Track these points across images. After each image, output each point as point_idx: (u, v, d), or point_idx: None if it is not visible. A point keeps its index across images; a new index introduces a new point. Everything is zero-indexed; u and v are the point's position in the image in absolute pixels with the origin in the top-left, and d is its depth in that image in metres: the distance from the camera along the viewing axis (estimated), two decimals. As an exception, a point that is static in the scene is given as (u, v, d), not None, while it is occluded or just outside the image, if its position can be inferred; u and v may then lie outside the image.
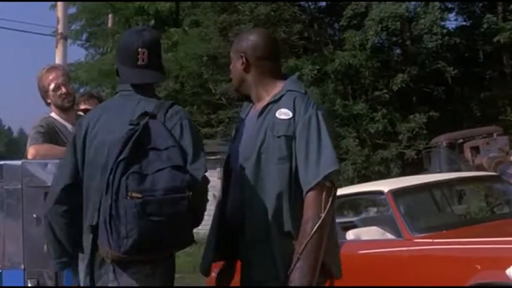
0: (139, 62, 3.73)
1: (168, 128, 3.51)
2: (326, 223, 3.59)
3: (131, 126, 3.49)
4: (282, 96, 3.79)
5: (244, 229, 3.72)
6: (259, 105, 3.85)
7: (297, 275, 3.54)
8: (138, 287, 3.46)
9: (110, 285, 3.48)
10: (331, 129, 3.77)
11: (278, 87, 3.85)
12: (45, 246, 4.25)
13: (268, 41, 3.99)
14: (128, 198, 3.28)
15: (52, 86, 5.43)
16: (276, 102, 3.78)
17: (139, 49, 3.73)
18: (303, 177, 3.64)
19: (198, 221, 3.55)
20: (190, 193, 3.31)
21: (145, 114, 3.53)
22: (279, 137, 3.69)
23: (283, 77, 3.94)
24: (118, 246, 3.32)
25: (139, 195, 3.28)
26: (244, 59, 3.89)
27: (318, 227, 3.55)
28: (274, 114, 3.74)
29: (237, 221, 3.75)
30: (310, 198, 3.61)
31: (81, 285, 3.66)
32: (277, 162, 3.68)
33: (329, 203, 3.61)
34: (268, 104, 3.79)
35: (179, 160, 3.37)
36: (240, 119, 4.02)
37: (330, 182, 3.63)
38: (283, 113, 3.72)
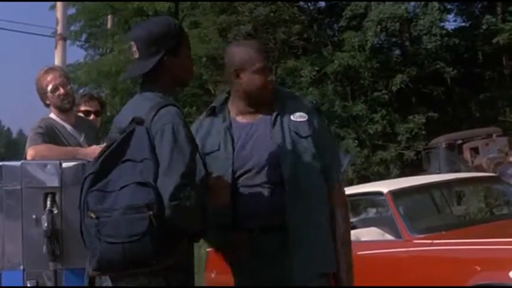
0: (133, 56, 3.55)
1: (151, 135, 3.26)
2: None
3: (117, 135, 3.36)
4: (284, 103, 3.93)
5: (285, 229, 3.75)
6: (259, 115, 3.91)
7: (346, 269, 3.84)
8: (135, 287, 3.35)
9: None
10: None
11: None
12: (44, 247, 4.26)
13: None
14: (89, 217, 3.18)
15: (50, 87, 5.42)
16: (284, 109, 3.90)
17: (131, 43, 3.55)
18: (331, 171, 3.91)
19: (190, 236, 3.38)
20: (152, 212, 3.09)
21: (133, 120, 3.33)
22: (306, 137, 3.84)
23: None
24: (90, 263, 3.26)
25: (94, 216, 3.16)
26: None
27: (347, 214, 3.95)
28: (290, 118, 3.86)
29: (273, 223, 3.77)
30: (342, 194, 3.95)
31: None
32: (311, 161, 3.84)
33: None
34: (278, 114, 3.89)
35: (149, 174, 3.16)
36: (217, 130, 3.94)
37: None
38: (299, 116, 3.87)
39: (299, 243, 3.75)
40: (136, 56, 3.49)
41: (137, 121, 3.30)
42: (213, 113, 3.98)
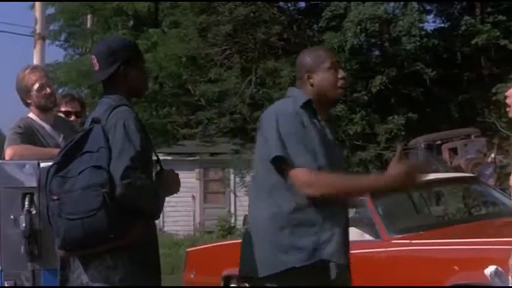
0: (94, 68, 4.00)
1: (106, 131, 3.68)
2: None
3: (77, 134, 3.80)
4: None
5: None
6: (327, 117, 4.05)
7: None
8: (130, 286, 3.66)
9: (82, 276, 3.68)
10: None
11: None
12: (22, 248, 4.25)
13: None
14: (52, 200, 3.63)
15: (36, 86, 5.40)
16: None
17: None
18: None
19: (146, 215, 3.71)
20: (105, 190, 3.51)
21: (92, 120, 3.80)
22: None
23: None
24: (56, 244, 3.68)
25: (56, 197, 3.61)
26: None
27: None
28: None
29: None
30: None
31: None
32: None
33: None
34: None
35: (103, 160, 3.58)
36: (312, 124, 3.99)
37: None
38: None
39: None
40: (97, 68, 3.95)
41: (95, 121, 3.77)
42: (306, 106, 3.99)
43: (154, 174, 3.88)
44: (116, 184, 3.53)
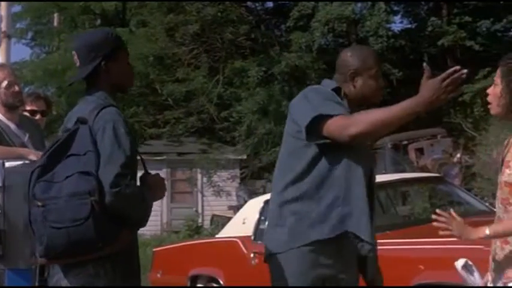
0: (76, 64, 3.83)
1: (93, 132, 3.52)
2: None
3: (63, 134, 3.61)
4: None
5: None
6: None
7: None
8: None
9: (62, 282, 3.57)
10: None
11: None
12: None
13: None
14: (36, 206, 3.43)
15: (5, 83, 5.36)
16: None
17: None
18: None
19: (132, 223, 3.61)
20: (93, 198, 3.36)
21: (77, 120, 3.59)
22: None
23: None
24: (37, 251, 3.50)
25: (40, 204, 3.41)
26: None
27: None
28: None
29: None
30: None
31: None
32: None
33: None
34: None
35: (91, 165, 3.42)
36: None
37: None
38: None
39: None
40: (78, 64, 3.78)
41: (81, 121, 3.56)
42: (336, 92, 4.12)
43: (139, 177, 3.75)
44: (104, 192, 3.39)
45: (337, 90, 4.06)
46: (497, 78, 3.71)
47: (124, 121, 3.63)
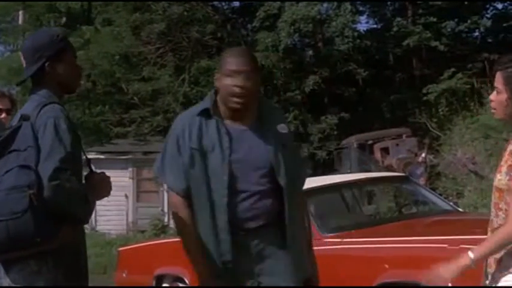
0: (23, 65, 3.92)
1: (35, 129, 3.54)
2: None
3: (6, 131, 3.62)
4: (270, 111, 4.10)
5: (288, 230, 3.96)
6: (247, 122, 3.98)
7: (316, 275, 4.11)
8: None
9: (2, 280, 3.57)
10: None
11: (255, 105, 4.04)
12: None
13: None
14: None
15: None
16: (267, 117, 4.03)
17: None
18: (297, 181, 4.08)
19: (73, 219, 3.58)
20: (32, 191, 3.36)
21: (21, 117, 3.63)
22: (287, 147, 4.03)
23: None
24: None
25: None
26: (258, 77, 4.03)
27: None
28: (276, 128, 4.02)
29: (260, 224, 3.94)
30: (305, 202, 4.28)
31: None
32: (292, 169, 4.00)
33: None
34: (263, 120, 4.02)
35: (31, 160, 3.44)
36: (210, 132, 3.98)
37: None
38: (282, 128, 4.05)
39: (292, 245, 3.97)
40: (24, 65, 3.87)
41: (24, 118, 3.61)
42: (204, 113, 4.00)
43: (84, 176, 3.76)
44: (43, 185, 3.39)
45: (215, 103, 4.04)
46: (499, 84, 3.55)
47: (67, 118, 3.64)
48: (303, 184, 4.18)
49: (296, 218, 4.00)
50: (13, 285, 3.53)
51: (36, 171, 3.41)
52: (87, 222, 3.73)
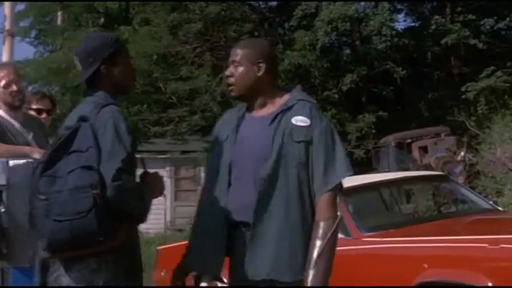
0: (78, 68, 3.94)
1: (94, 130, 3.61)
2: (340, 225, 3.85)
3: (64, 132, 3.68)
4: (293, 104, 3.94)
5: (253, 227, 3.84)
6: (263, 113, 3.99)
7: (314, 274, 3.73)
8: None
9: (62, 278, 3.59)
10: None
11: (284, 96, 4.03)
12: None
13: (275, 52, 4.18)
14: (38, 200, 3.50)
15: (3, 83, 5.38)
16: (287, 110, 3.93)
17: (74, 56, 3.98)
18: (320, 180, 3.84)
19: (132, 218, 3.67)
20: (95, 191, 3.43)
21: (79, 118, 3.67)
22: (299, 142, 3.85)
23: (280, 87, 4.15)
24: (40, 244, 3.56)
25: (43, 197, 3.48)
26: (263, 66, 3.99)
27: (336, 226, 3.80)
28: (290, 121, 3.89)
29: (246, 219, 3.87)
30: (325, 200, 3.83)
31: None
32: (296, 166, 3.85)
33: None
34: (279, 113, 3.93)
35: (93, 160, 3.50)
36: (231, 122, 4.09)
37: (340, 186, 3.89)
38: (301, 120, 3.88)
39: (260, 244, 3.83)
40: (80, 68, 3.89)
41: (82, 119, 3.66)
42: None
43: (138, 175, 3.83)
44: (106, 186, 3.46)
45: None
46: None
47: (125, 119, 3.73)
48: (328, 183, 3.85)
49: (276, 214, 3.82)
50: (73, 283, 3.58)
51: (98, 172, 3.47)
52: (144, 221, 3.80)
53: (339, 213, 3.86)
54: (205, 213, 4.08)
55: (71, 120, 3.76)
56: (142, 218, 3.75)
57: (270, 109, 3.98)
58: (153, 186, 3.82)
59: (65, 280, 3.60)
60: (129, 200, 3.57)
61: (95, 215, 3.42)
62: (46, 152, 3.70)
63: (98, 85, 3.86)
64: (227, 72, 4.04)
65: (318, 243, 3.75)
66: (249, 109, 4.06)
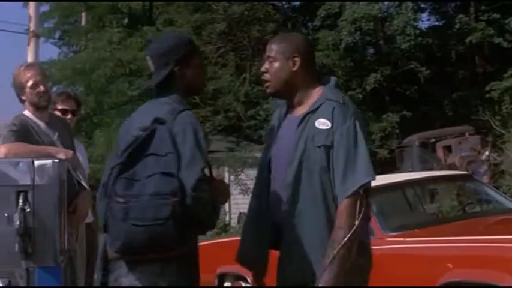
0: (151, 69, 3.93)
1: (173, 134, 3.59)
2: (358, 231, 3.72)
3: (140, 133, 3.66)
4: (320, 105, 3.86)
5: (285, 229, 3.87)
6: (299, 112, 3.93)
7: (326, 278, 3.66)
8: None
9: (122, 279, 3.64)
10: (366, 138, 3.88)
11: (317, 93, 3.92)
12: (16, 246, 4.24)
13: (312, 46, 4.17)
14: (116, 202, 3.51)
15: (30, 83, 5.42)
16: (314, 111, 3.86)
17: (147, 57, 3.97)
18: (339, 185, 3.76)
19: (202, 227, 3.70)
20: (176, 199, 3.43)
21: (155, 120, 3.66)
22: (319, 147, 3.79)
23: (320, 81, 4.03)
24: (112, 245, 3.60)
25: (122, 200, 3.49)
26: (298, 60, 3.92)
27: (350, 235, 3.68)
28: (314, 123, 3.82)
29: (279, 221, 3.89)
30: (344, 206, 3.74)
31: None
32: (319, 172, 3.80)
33: (362, 212, 3.74)
34: (307, 114, 3.86)
35: (173, 167, 3.49)
36: (275, 121, 4.10)
37: (363, 190, 3.77)
38: (322, 123, 3.80)
39: (290, 248, 3.86)
40: (153, 69, 3.89)
41: (159, 121, 3.65)
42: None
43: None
44: (186, 194, 3.47)
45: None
46: None
47: (201, 126, 3.74)
48: (346, 189, 3.75)
49: (305, 218, 3.80)
50: (135, 283, 3.61)
51: (178, 179, 3.48)
52: (213, 229, 3.85)
53: (356, 222, 3.71)
54: (251, 208, 4.11)
55: (144, 121, 3.72)
56: (213, 227, 3.76)
57: (303, 109, 3.91)
58: (219, 193, 3.80)
59: (125, 281, 3.63)
60: (205, 209, 3.58)
61: (173, 222, 3.44)
62: (122, 153, 3.66)
63: (170, 86, 3.84)
64: (262, 68, 4.03)
65: (329, 251, 3.69)
66: (289, 107, 4.02)
